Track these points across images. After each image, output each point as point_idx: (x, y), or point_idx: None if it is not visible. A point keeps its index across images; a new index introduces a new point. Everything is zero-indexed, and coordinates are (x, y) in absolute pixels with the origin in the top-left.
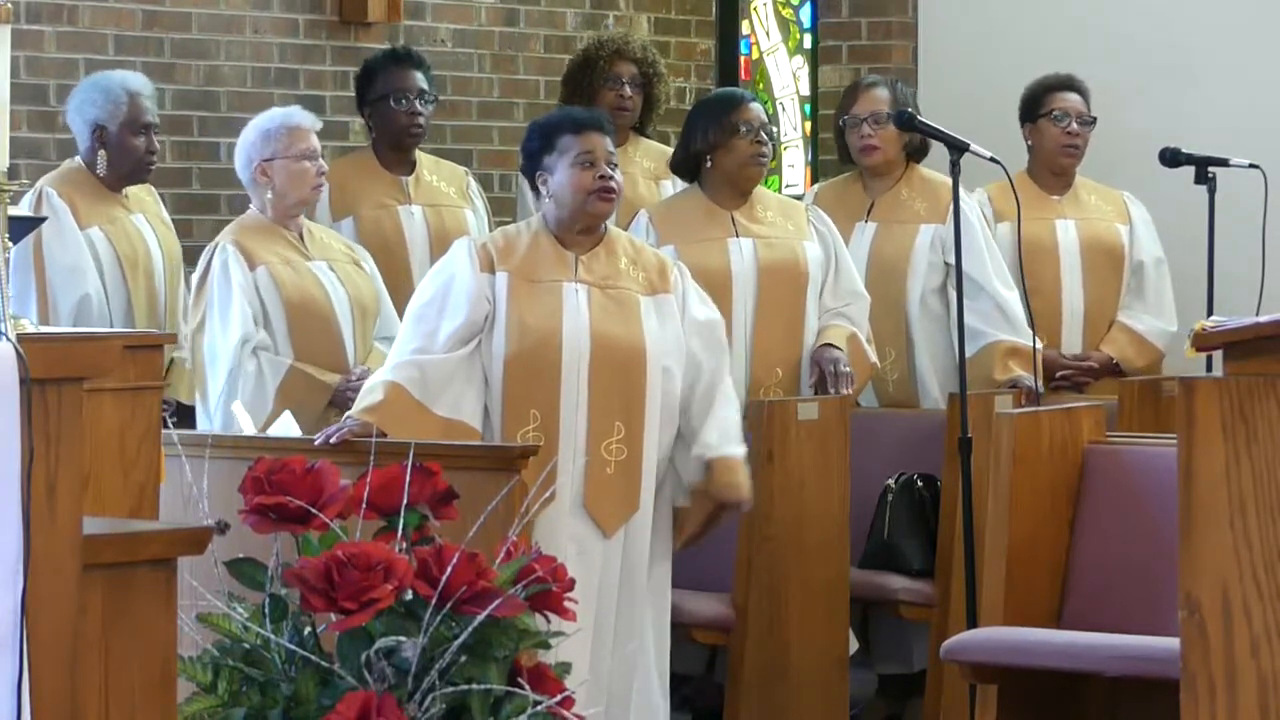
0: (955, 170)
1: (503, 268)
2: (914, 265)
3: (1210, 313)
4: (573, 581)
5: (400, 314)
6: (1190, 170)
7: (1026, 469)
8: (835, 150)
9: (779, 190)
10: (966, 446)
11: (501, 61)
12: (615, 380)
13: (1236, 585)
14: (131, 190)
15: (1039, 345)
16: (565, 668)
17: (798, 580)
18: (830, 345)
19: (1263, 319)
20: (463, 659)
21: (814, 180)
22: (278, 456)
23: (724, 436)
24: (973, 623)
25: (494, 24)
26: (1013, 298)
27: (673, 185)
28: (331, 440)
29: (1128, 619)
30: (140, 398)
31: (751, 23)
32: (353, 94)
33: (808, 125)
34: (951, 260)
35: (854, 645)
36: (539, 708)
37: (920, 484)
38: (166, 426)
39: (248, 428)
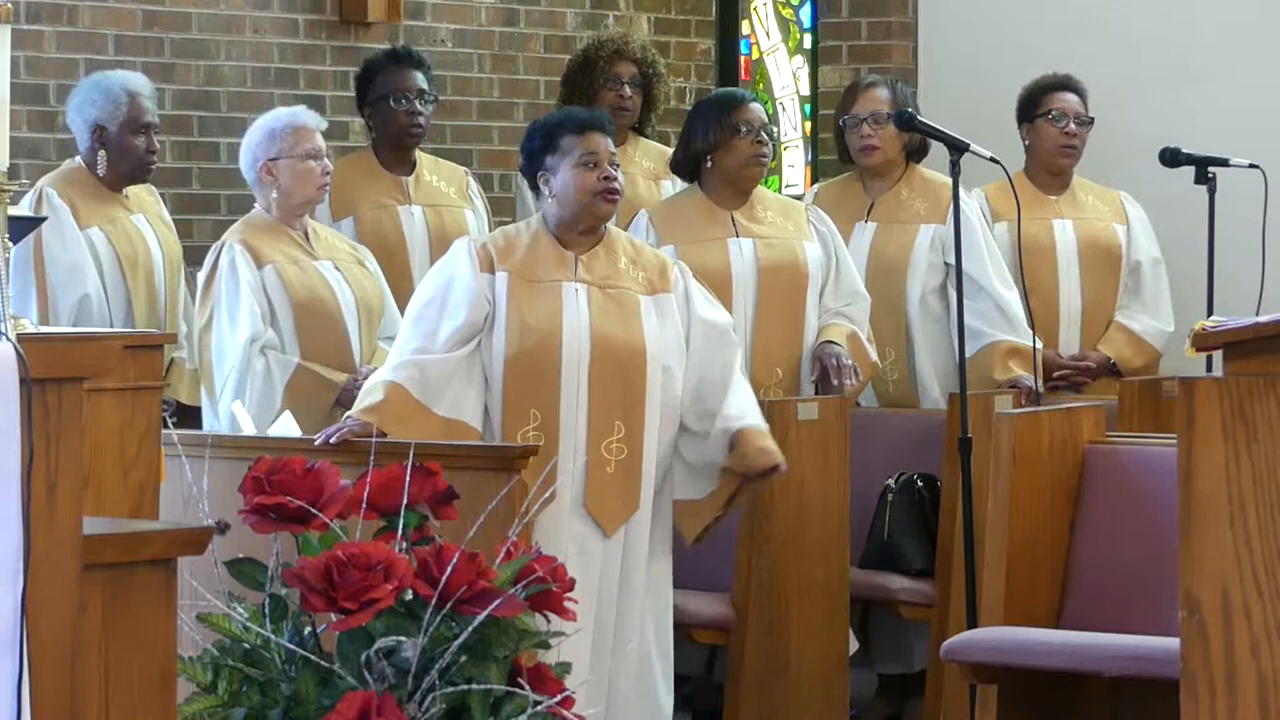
0: (955, 170)
1: (503, 268)
2: (914, 265)
3: (1210, 313)
4: (573, 581)
5: (402, 314)
6: (1190, 170)
7: (1026, 469)
8: (835, 150)
9: (779, 190)
10: (966, 446)
11: (501, 61)
12: (615, 380)
13: (1236, 585)
14: (132, 190)
15: (1039, 345)
16: (565, 668)
17: (798, 580)
18: (831, 341)
19: (1263, 319)
20: (463, 659)
21: (814, 180)
22: (278, 456)
23: (745, 409)
24: (973, 623)
25: (494, 24)
26: (1013, 298)
27: (672, 185)
28: (331, 440)
29: (1128, 619)
30: (140, 398)
31: (751, 23)
32: (353, 94)
33: (808, 125)
34: (951, 260)
35: (854, 645)
36: (539, 708)
37: (920, 484)
38: (166, 426)
39: (248, 428)
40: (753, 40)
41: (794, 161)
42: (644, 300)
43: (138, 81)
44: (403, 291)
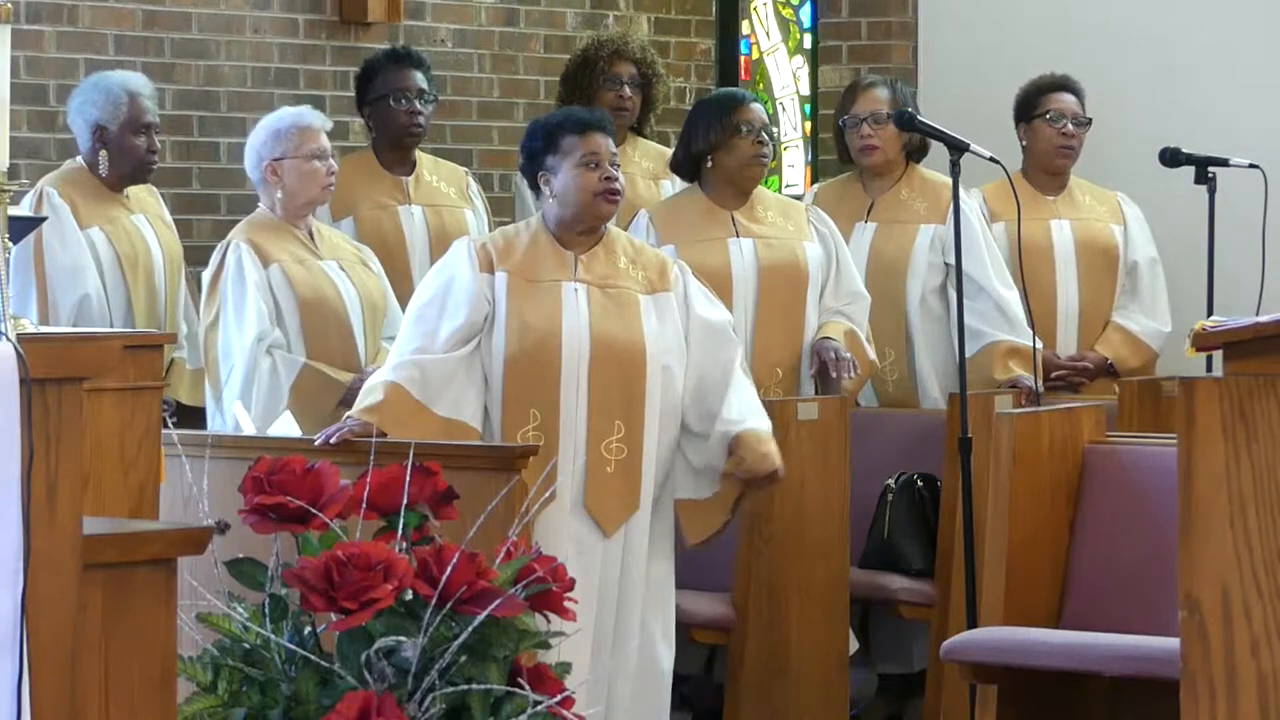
0: (955, 170)
1: (502, 268)
2: (914, 265)
3: (1210, 313)
4: (573, 581)
5: (403, 313)
6: (1190, 170)
7: (1026, 469)
8: (835, 150)
9: (779, 190)
10: (966, 446)
11: (501, 61)
12: (615, 379)
13: (1236, 585)
14: (133, 190)
15: (1039, 345)
16: (565, 668)
17: (798, 580)
18: (829, 337)
19: (1263, 319)
20: (463, 659)
21: (814, 180)
22: (278, 456)
23: (745, 410)
24: (973, 623)
25: (494, 24)
26: (1013, 298)
27: (672, 185)
28: (331, 440)
29: (1128, 619)
30: (140, 398)
31: (751, 23)
32: (353, 94)
33: (808, 125)
34: (951, 260)
35: (854, 645)
36: (539, 708)
37: (920, 484)
38: (166, 426)
39: (248, 428)
40: (753, 40)
41: (794, 161)
42: (644, 300)
43: (138, 81)
44: (403, 291)
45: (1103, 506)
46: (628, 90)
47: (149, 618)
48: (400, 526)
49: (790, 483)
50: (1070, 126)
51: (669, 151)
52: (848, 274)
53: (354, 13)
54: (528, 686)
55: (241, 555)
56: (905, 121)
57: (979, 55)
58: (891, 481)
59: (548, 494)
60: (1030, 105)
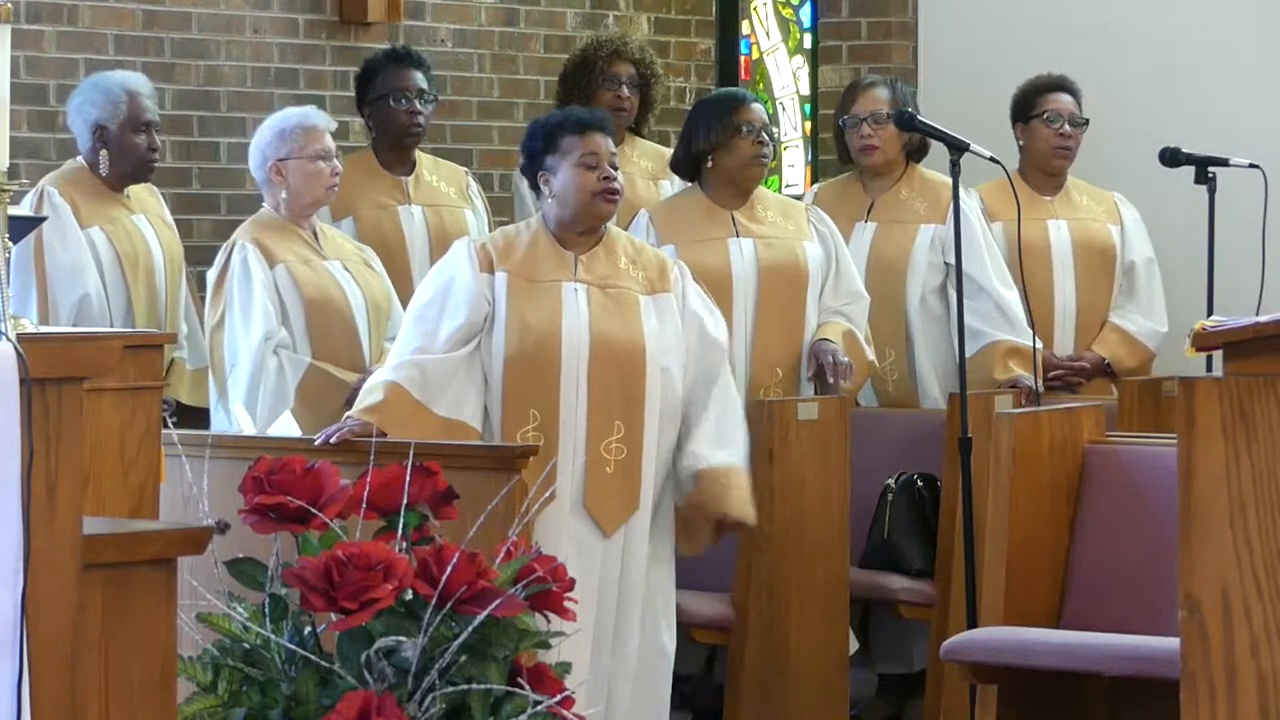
0: (955, 170)
1: (502, 268)
2: (914, 265)
3: (1210, 313)
4: (573, 581)
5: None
6: (1190, 170)
7: (1026, 469)
8: (835, 150)
9: (779, 190)
10: (966, 446)
11: (501, 61)
12: (615, 380)
13: (1236, 585)
14: (134, 190)
15: (1039, 345)
16: (565, 668)
17: (798, 580)
18: (826, 339)
19: (1263, 319)
20: (463, 659)
21: (814, 180)
22: (278, 456)
23: (716, 443)
24: (973, 623)
25: (494, 24)
26: (1013, 297)
27: (671, 185)
28: (331, 440)
29: (1128, 619)
30: (140, 398)
31: (751, 23)
32: (353, 94)
33: (808, 125)
34: (951, 260)
35: (854, 645)
36: (539, 708)
37: (920, 484)
38: (166, 426)
39: (248, 428)
40: (753, 40)
41: (794, 161)
42: (644, 300)
43: (137, 80)
44: (403, 291)
45: (1103, 506)
46: (626, 90)
47: (149, 618)
48: (400, 526)
49: (790, 483)
50: (1067, 127)
51: (668, 151)
52: (847, 274)
53: (354, 13)
54: (528, 686)
55: (241, 555)
56: (905, 121)
57: (979, 55)
58: (891, 481)
59: (548, 494)
60: (1027, 105)
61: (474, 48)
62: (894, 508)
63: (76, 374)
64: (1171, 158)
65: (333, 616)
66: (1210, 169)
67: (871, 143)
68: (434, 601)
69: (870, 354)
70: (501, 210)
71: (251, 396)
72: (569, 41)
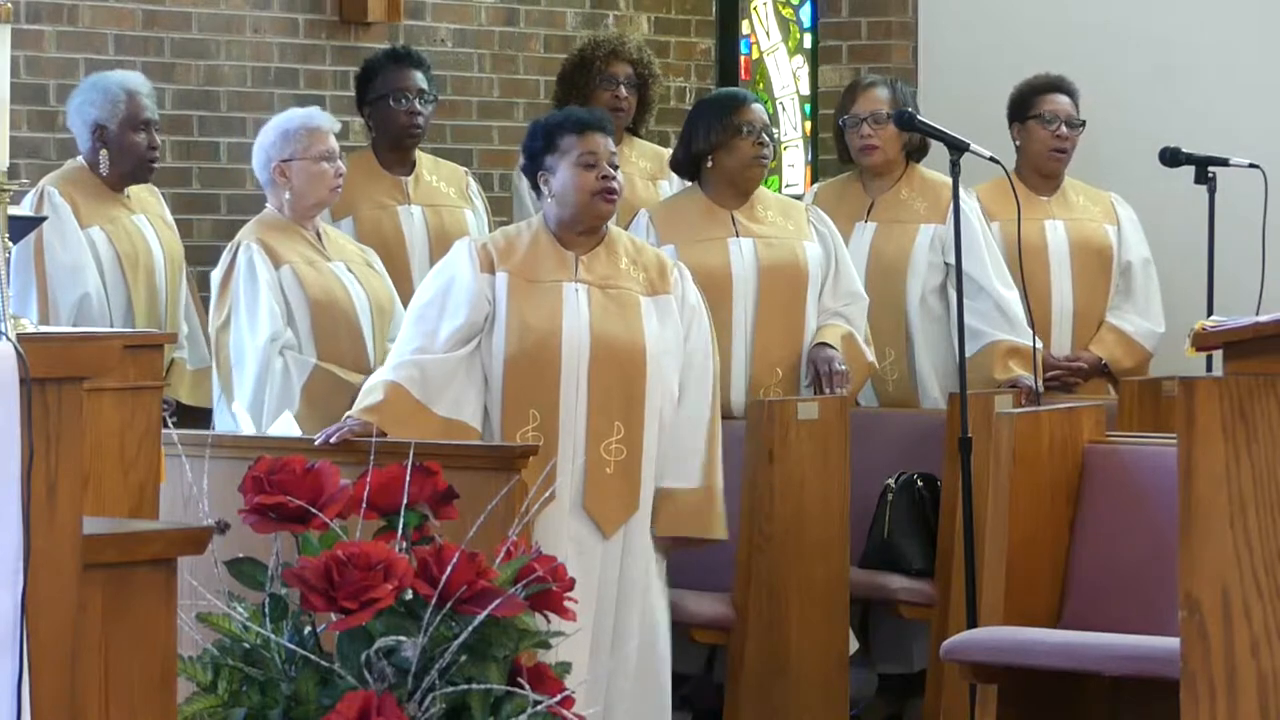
0: (955, 170)
1: (503, 268)
2: (914, 265)
3: (1210, 313)
4: (573, 581)
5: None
6: (1190, 170)
7: (1026, 469)
8: (835, 150)
9: (779, 190)
10: (966, 446)
11: (501, 61)
12: (615, 380)
13: (1236, 585)
14: (134, 190)
15: (1039, 345)
16: (565, 668)
17: (798, 580)
18: (825, 344)
19: (1263, 319)
20: (463, 659)
21: (814, 180)
22: (278, 456)
23: (677, 463)
24: (973, 623)
25: (494, 24)
26: (1013, 297)
27: (670, 185)
28: (331, 440)
29: (1128, 619)
30: (140, 398)
31: (751, 23)
32: (353, 94)
33: (808, 125)
34: (951, 260)
35: (854, 645)
36: (539, 708)
37: (920, 484)
38: (166, 426)
39: (248, 428)
40: (753, 40)
41: (794, 161)
42: (644, 301)
43: (135, 80)
44: (403, 292)
45: (1103, 506)
46: (624, 90)
47: (149, 618)
48: (400, 526)
49: (790, 483)
50: (1064, 129)
51: (666, 152)
52: (846, 274)
53: (354, 13)
54: (528, 686)
55: (241, 555)
56: (905, 121)
57: (979, 55)
58: (891, 481)
59: (547, 494)
60: (1024, 106)
61: (474, 48)
62: (894, 508)
63: (76, 374)
64: (1171, 158)
65: (333, 616)
66: (1210, 169)
67: (871, 143)
68: (434, 601)
69: (870, 355)
70: (501, 210)
71: (257, 397)
72: (569, 41)
